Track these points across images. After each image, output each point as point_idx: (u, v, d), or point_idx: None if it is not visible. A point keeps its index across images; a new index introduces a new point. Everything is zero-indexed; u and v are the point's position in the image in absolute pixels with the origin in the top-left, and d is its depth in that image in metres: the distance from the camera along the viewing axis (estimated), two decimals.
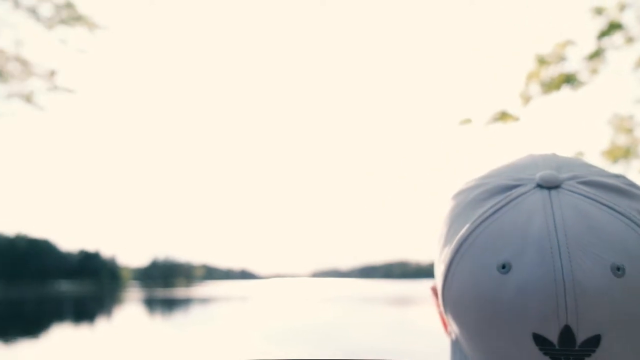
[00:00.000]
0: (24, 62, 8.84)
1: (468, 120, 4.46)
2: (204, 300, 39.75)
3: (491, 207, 0.42)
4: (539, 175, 0.42)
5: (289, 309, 28.07)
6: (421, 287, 75.35)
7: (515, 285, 0.38)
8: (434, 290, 0.49)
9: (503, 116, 4.39)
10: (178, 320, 22.55)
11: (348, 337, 13.76)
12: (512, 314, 0.38)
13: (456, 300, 0.42)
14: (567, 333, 0.37)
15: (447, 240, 0.44)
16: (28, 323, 21.83)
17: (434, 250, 0.48)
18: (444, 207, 0.48)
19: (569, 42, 4.31)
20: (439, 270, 0.45)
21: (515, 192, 0.42)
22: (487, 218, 0.41)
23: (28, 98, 9.56)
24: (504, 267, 0.39)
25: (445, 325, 0.49)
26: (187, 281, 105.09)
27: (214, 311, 27.93)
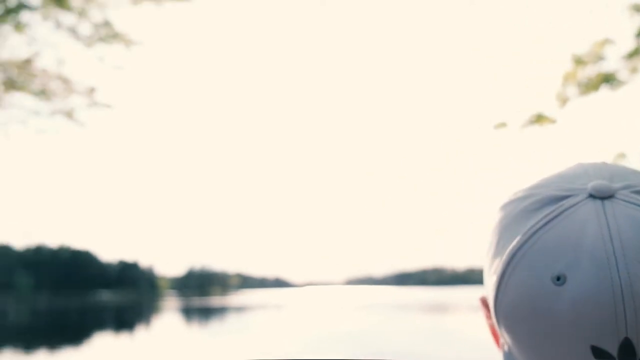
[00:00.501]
0: (65, 80, 9.16)
1: (503, 124, 4.38)
2: (239, 309, 40.09)
3: (543, 218, 0.41)
4: (590, 185, 0.42)
5: (323, 317, 28.02)
6: (457, 294, 73.99)
7: (571, 297, 0.37)
8: (484, 301, 0.48)
9: (539, 119, 4.29)
10: (215, 328, 22.81)
11: (384, 345, 13.64)
12: (568, 326, 0.38)
13: (509, 313, 0.41)
14: (627, 346, 0.36)
15: (498, 251, 0.44)
16: (72, 332, 22.49)
17: (483, 261, 0.47)
18: (492, 217, 0.47)
19: (607, 41, 4.20)
20: (490, 282, 0.44)
21: (567, 203, 0.41)
22: (539, 229, 0.41)
23: (69, 115, 9.88)
24: (558, 279, 0.38)
25: (496, 337, 0.48)
26: (223, 290, 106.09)
27: (249, 319, 28.13)
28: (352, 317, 27.55)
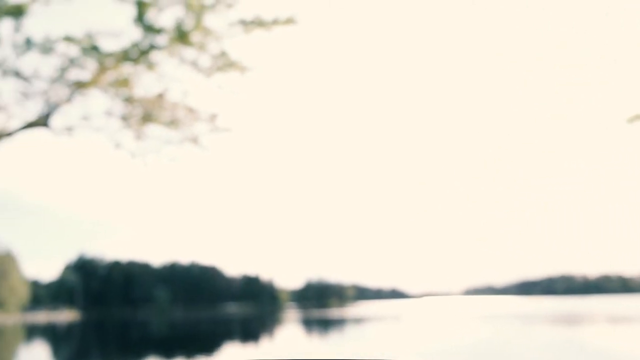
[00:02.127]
0: (190, 110, 10.12)
1: (638, 117, 4.07)
2: (357, 320, 40.33)
3: None
4: None
5: (442, 328, 27.26)
6: (590, 304, 67.71)
7: None
8: None
9: None
10: (335, 339, 23.20)
11: (508, 358, 12.99)
12: None
13: None
14: None
15: None
16: (205, 341, 24.19)
17: None
18: None
19: None
20: None
21: None
22: None
23: (195, 141, 10.84)
24: None
25: None
26: (340, 301, 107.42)
27: (368, 330, 28.21)
28: (473, 329, 26.50)
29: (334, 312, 62.18)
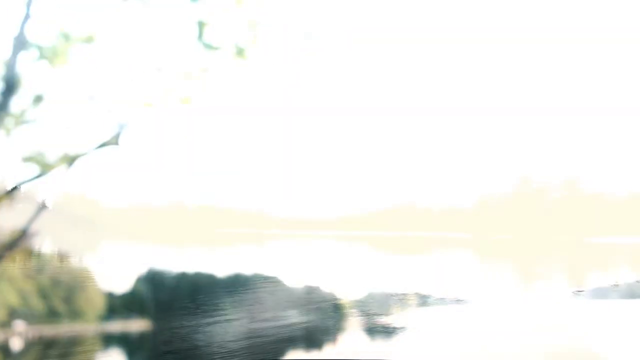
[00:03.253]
0: None
1: None
2: (420, 328, 39.72)
3: None
4: None
5: (506, 335, 26.33)
6: None
7: None
8: None
9: None
10: (399, 347, 23.00)
11: None
12: None
13: None
14: None
15: None
16: (271, 349, 24.67)
17: None
18: None
19: None
20: None
21: None
22: None
23: None
24: None
25: None
26: (402, 309, 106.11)
27: (432, 338, 27.74)
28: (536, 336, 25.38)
29: (396, 320, 61.43)
